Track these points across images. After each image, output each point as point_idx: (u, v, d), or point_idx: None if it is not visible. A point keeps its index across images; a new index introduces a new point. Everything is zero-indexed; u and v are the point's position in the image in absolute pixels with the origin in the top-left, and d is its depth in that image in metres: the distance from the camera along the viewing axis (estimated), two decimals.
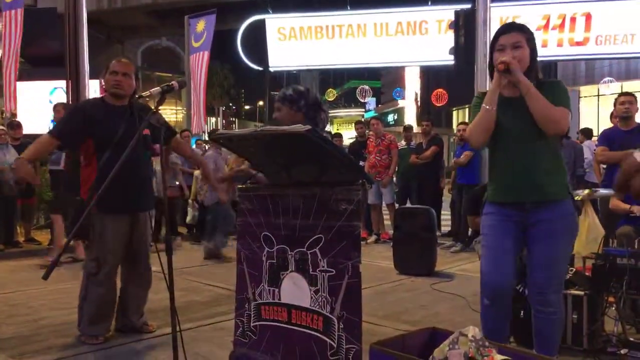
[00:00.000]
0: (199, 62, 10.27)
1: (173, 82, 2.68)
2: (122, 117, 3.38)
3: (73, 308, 4.25)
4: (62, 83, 10.69)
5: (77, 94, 9.07)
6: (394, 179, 8.11)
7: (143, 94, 2.73)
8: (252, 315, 2.43)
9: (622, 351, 3.22)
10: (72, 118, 3.49)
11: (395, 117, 30.63)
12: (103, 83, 3.57)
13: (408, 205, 7.85)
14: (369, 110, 30.71)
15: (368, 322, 3.92)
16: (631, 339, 3.33)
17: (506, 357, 1.50)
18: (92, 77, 10.04)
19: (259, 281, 2.41)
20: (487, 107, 2.38)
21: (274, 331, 2.33)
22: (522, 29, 2.44)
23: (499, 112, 2.41)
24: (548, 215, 2.37)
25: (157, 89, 2.63)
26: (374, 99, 30.28)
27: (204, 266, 6.36)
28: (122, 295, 3.62)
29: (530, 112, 2.33)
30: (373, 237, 7.99)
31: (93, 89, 11.30)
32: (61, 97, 11.26)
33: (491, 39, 2.52)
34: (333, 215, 2.13)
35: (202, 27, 10.37)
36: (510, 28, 2.47)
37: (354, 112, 36.14)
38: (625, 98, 4.76)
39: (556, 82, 2.54)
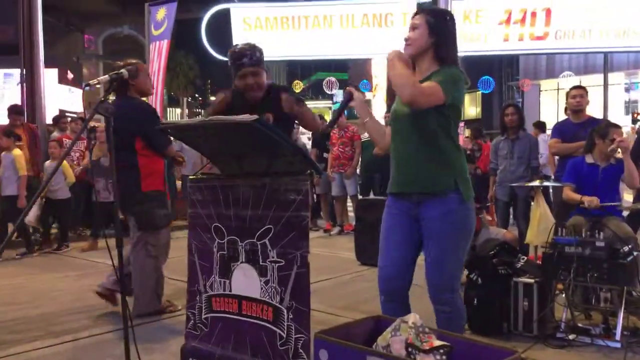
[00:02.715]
0: (158, 51, 10.04)
1: (122, 70, 2.61)
2: None
3: (24, 303, 4.14)
4: (16, 71, 10.32)
5: (31, 83, 8.77)
6: (358, 170, 8.15)
7: (91, 82, 2.65)
8: (204, 308, 2.41)
9: (571, 337, 3.34)
10: None
11: None
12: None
13: (371, 196, 7.90)
14: (337, 102, 30.77)
15: (328, 313, 3.97)
16: (579, 324, 3.45)
17: (444, 343, 1.53)
18: (47, 65, 9.73)
19: (210, 273, 2.38)
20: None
21: (225, 323, 2.32)
22: (426, 12, 2.37)
23: (395, 105, 2.44)
24: (432, 212, 2.31)
25: (105, 77, 2.55)
26: (341, 90, 30.35)
27: (170, 259, 6.27)
28: None
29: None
30: (336, 229, 8.03)
31: (49, 77, 10.95)
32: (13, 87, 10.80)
33: None
34: (282, 206, 2.12)
35: (162, 15, 10.13)
36: (417, 11, 2.42)
37: (322, 103, 36.14)
38: (577, 92, 4.90)
39: (448, 65, 2.40)
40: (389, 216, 2.47)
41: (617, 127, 4.22)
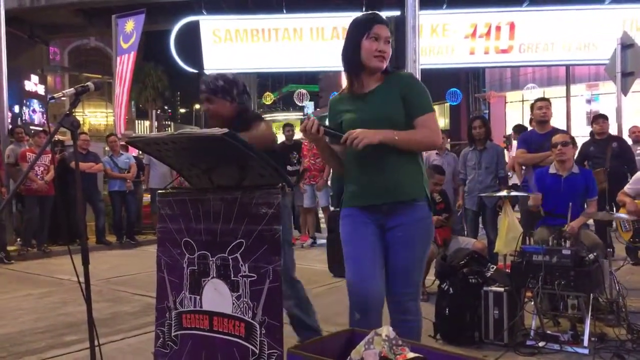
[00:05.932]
0: (125, 63, 9.94)
1: (88, 83, 2.56)
2: None
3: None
4: None
5: None
6: (329, 182, 8.16)
7: (55, 95, 2.60)
8: (173, 325, 2.36)
9: (540, 344, 3.39)
10: None
11: None
12: None
13: None
14: (307, 114, 30.89)
15: None
16: (548, 331, 3.51)
17: (418, 355, 1.54)
18: (11, 78, 9.50)
19: (179, 289, 2.33)
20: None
21: (196, 340, 2.27)
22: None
23: (350, 110, 2.28)
24: (403, 219, 2.23)
25: (70, 90, 2.51)
26: (312, 102, 30.48)
27: (134, 275, 6.15)
28: None
29: (379, 107, 2.23)
30: (309, 241, 8.00)
31: (13, 90, 10.70)
32: None
33: (358, 24, 2.30)
34: (254, 220, 2.10)
35: (131, 27, 10.04)
36: (382, 20, 2.30)
37: (293, 115, 36.17)
38: (542, 103, 5.04)
39: (408, 76, 2.41)
40: (353, 229, 2.31)
41: (561, 131, 4.42)
